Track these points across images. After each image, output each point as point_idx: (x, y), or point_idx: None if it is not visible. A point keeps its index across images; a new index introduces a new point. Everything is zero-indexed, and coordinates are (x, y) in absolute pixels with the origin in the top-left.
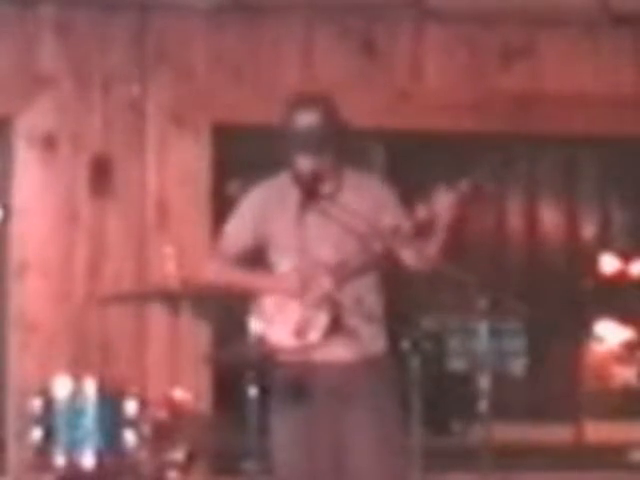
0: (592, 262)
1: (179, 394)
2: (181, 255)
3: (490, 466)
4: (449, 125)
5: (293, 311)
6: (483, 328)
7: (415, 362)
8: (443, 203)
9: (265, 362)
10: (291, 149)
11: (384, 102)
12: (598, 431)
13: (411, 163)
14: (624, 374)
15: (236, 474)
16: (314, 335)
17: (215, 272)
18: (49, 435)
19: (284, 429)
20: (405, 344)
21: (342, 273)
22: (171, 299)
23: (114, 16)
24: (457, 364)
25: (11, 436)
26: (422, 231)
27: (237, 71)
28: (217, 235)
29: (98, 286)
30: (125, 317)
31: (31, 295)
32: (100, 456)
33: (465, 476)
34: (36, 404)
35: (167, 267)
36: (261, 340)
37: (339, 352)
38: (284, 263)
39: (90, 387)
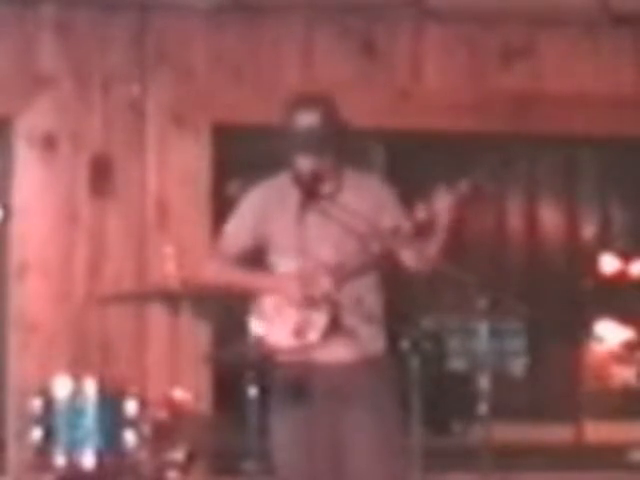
0: (592, 262)
1: (179, 394)
2: (181, 255)
3: (490, 466)
4: (449, 125)
5: (292, 311)
6: (483, 328)
7: (415, 362)
8: (443, 203)
9: (264, 362)
10: (291, 149)
11: (384, 102)
12: (598, 431)
13: (411, 163)
14: (624, 374)
15: (236, 474)
16: (313, 335)
17: (215, 272)
18: (49, 435)
19: (284, 429)
20: (405, 344)
21: (341, 273)
22: (171, 299)
23: (114, 16)
24: (457, 364)
25: (11, 436)
26: (422, 231)
27: (237, 71)
28: (217, 235)
29: (98, 286)
30: (125, 317)
31: (31, 295)
32: (100, 456)
33: (465, 476)
34: (36, 404)
35: (167, 267)
36: (260, 340)
37: (338, 352)
38: (284, 263)
39: (90, 387)
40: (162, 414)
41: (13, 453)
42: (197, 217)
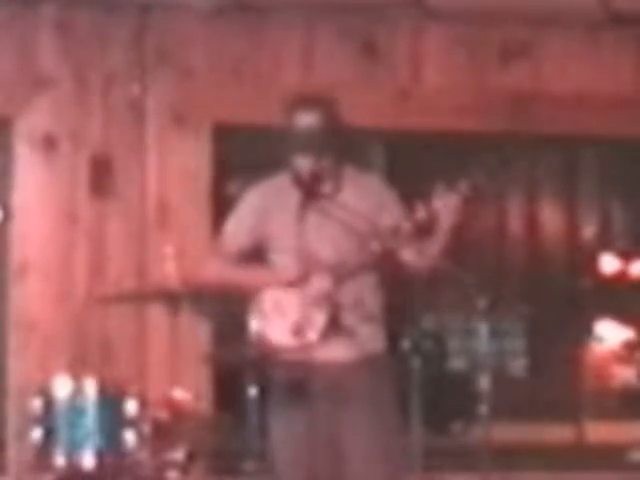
0: (592, 262)
1: (179, 394)
2: (181, 255)
3: (490, 466)
4: (449, 125)
5: (292, 310)
6: (483, 328)
7: (415, 362)
8: (442, 203)
9: (264, 361)
10: (291, 149)
11: (384, 102)
12: (598, 431)
13: (411, 163)
14: (624, 374)
15: (236, 474)
16: (312, 334)
17: (215, 271)
18: (49, 435)
19: (283, 428)
20: (405, 344)
21: (341, 273)
22: (171, 299)
23: (114, 16)
24: (457, 364)
25: (11, 436)
26: (422, 231)
27: (237, 71)
28: (217, 235)
29: (98, 286)
30: (125, 317)
31: (31, 295)
32: (100, 456)
33: (465, 476)
34: (36, 404)
35: (167, 267)
36: (260, 339)
37: (338, 351)
38: (283, 263)
39: (90, 387)
40: (162, 414)
41: (13, 453)
42: (197, 217)
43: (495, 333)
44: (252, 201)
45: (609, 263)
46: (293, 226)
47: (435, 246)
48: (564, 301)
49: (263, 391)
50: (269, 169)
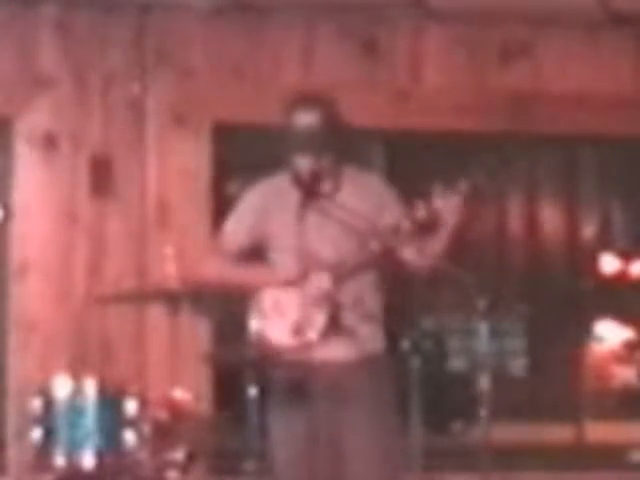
0: (592, 262)
1: (179, 394)
2: (181, 255)
3: (490, 466)
4: (449, 125)
5: (291, 310)
6: (483, 328)
7: (415, 362)
8: (444, 203)
9: (264, 361)
10: (291, 148)
11: (384, 102)
12: (598, 431)
13: (411, 163)
14: (624, 374)
15: (236, 474)
16: (312, 334)
17: (214, 270)
18: (49, 435)
19: (282, 428)
20: (405, 344)
21: (341, 272)
22: (171, 299)
23: (114, 16)
24: (457, 364)
25: (11, 436)
26: (422, 230)
27: (237, 71)
28: (217, 235)
29: (98, 286)
30: (125, 317)
31: (31, 295)
32: (100, 456)
33: (465, 476)
34: (36, 404)
35: (167, 267)
36: (260, 339)
37: (337, 351)
38: (283, 262)
39: (90, 387)
40: (162, 414)
41: (13, 453)
42: (197, 217)
43: (495, 333)
44: (252, 200)
45: (609, 263)
46: (293, 225)
47: (436, 246)
48: (564, 301)
49: (263, 391)
50: (269, 169)
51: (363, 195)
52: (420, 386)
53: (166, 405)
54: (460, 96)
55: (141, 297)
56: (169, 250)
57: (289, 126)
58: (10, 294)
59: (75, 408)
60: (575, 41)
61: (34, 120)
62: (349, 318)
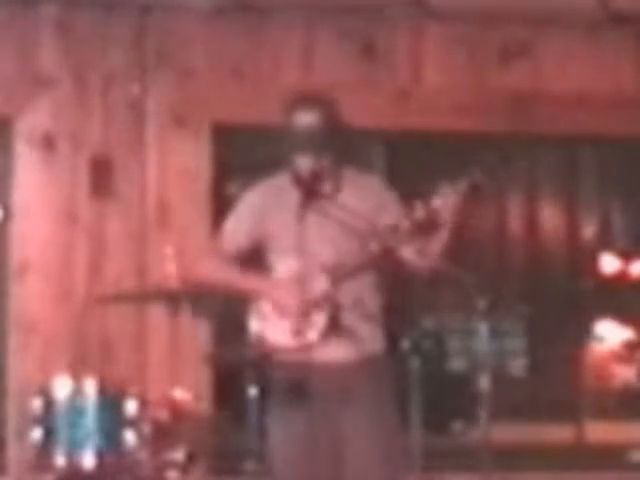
0: (592, 262)
1: (179, 394)
2: (181, 255)
3: (490, 466)
4: (449, 125)
5: (291, 310)
6: (483, 328)
7: (415, 362)
8: (442, 202)
9: (263, 362)
10: (291, 148)
11: (384, 102)
12: (598, 431)
13: (411, 163)
14: (624, 374)
15: (236, 474)
16: (313, 335)
17: (211, 270)
18: (49, 435)
19: (282, 429)
20: (405, 344)
21: (341, 273)
22: (171, 299)
23: (114, 16)
24: (457, 364)
25: (11, 436)
26: (421, 230)
27: (237, 71)
28: (217, 235)
29: (98, 286)
30: (125, 317)
31: (31, 295)
32: (100, 456)
33: (465, 476)
34: (36, 404)
35: (167, 267)
36: (260, 340)
37: (337, 352)
38: (283, 263)
39: (90, 387)
40: (162, 414)
41: (13, 453)
42: (197, 217)
43: (495, 333)
44: (251, 201)
45: (609, 263)
46: (293, 226)
47: (435, 246)
48: (564, 301)
49: (263, 391)
50: (269, 169)
51: (363, 196)
52: (420, 386)
53: (166, 405)
54: (460, 96)
55: (141, 297)
56: (169, 250)
57: (289, 126)
58: (10, 294)
59: (75, 408)
60: (575, 41)
61: (34, 120)
62: (349, 319)
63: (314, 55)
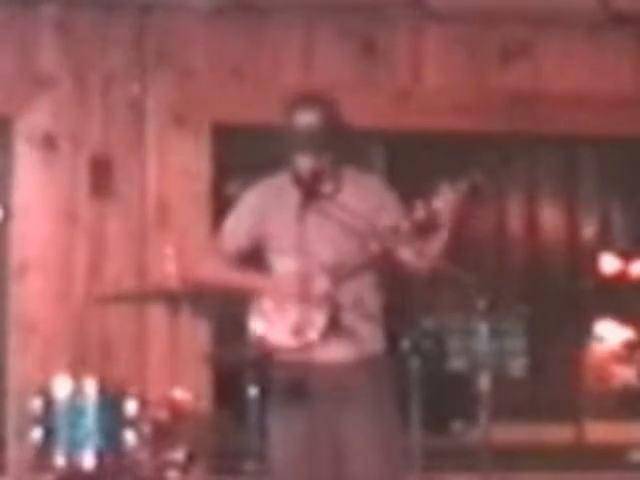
0: (592, 262)
1: (179, 394)
2: (181, 255)
3: (490, 466)
4: (449, 125)
5: (292, 310)
6: (483, 328)
7: (415, 362)
8: (442, 202)
9: (264, 361)
10: (291, 148)
11: (384, 102)
12: (598, 431)
13: (411, 163)
14: (624, 374)
15: (236, 474)
16: (313, 335)
17: (211, 270)
18: (49, 435)
19: (282, 429)
20: (405, 344)
21: (341, 273)
22: (171, 299)
23: (114, 16)
24: (457, 364)
25: (11, 436)
26: (421, 230)
27: (237, 71)
28: (217, 235)
29: (98, 286)
30: (125, 317)
31: (31, 295)
32: (100, 456)
33: (465, 476)
34: (36, 404)
35: (167, 267)
36: (260, 340)
37: (337, 352)
38: (283, 262)
39: (90, 387)
40: (162, 414)
41: (13, 453)
42: (197, 217)
43: (495, 333)
44: (251, 201)
45: (609, 263)
46: (293, 226)
47: (435, 246)
48: (564, 301)
49: (263, 391)
50: (269, 169)
51: (363, 196)
52: (420, 386)
53: (166, 405)
54: (460, 96)
55: (141, 297)
56: (169, 250)
57: (289, 126)
58: (10, 294)
59: (75, 408)
60: (575, 41)
61: (34, 120)
62: (349, 318)
63: (314, 55)
